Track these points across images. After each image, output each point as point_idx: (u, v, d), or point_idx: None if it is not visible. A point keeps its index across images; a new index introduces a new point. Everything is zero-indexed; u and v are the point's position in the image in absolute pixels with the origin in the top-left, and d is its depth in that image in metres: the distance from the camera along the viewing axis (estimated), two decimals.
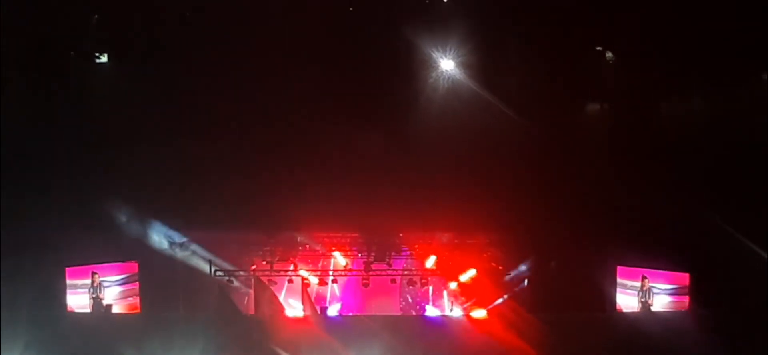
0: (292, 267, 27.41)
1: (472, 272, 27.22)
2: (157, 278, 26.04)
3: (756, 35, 25.06)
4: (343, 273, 27.95)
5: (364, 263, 27.48)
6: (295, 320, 26.18)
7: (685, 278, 24.91)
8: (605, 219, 25.36)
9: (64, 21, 26.09)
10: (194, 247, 26.77)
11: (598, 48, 26.92)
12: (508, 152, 25.80)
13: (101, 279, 25.43)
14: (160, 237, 26.27)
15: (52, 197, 24.81)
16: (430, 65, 26.48)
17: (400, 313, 27.81)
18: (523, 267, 26.66)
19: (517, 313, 24.74)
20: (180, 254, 26.55)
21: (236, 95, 26.08)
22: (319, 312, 27.14)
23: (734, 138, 25.35)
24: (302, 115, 25.94)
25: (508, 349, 23.49)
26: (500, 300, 26.57)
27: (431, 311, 27.75)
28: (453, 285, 27.54)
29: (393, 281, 27.67)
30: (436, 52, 26.35)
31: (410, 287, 27.78)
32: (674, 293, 25.13)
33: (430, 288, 27.83)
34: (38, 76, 25.54)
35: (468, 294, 27.36)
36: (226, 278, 27.18)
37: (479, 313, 26.39)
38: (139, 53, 26.39)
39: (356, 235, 27.75)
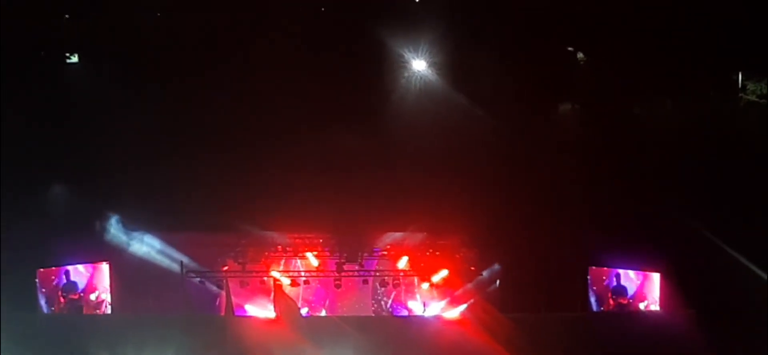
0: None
1: (444, 273, 27.23)
2: (129, 279, 25.94)
3: (728, 37, 25.30)
4: (315, 274, 27.87)
5: (336, 263, 27.41)
6: (267, 321, 26.08)
7: (656, 277, 25.12)
8: (577, 219, 25.50)
9: (34, 20, 25.93)
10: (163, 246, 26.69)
11: (570, 49, 27.06)
12: (480, 153, 25.86)
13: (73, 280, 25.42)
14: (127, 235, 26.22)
15: (23, 198, 24.63)
16: (403, 66, 26.52)
17: (372, 314, 27.78)
18: (495, 267, 26.75)
19: (489, 313, 24.77)
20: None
21: (208, 97, 26.03)
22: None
23: (706, 139, 25.58)
24: (274, 116, 25.90)
25: (480, 349, 23.49)
26: (469, 303, 26.62)
27: (403, 311, 27.79)
28: (425, 286, 27.53)
29: (365, 281, 27.64)
30: (408, 53, 26.40)
31: (382, 289, 27.77)
32: (645, 292, 25.35)
33: (403, 289, 27.80)
34: (9, 77, 25.32)
35: (440, 294, 27.38)
36: (198, 279, 27.05)
37: (452, 313, 26.43)
38: (111, 54, 26.28)
39: (328, 236, 27.69)
